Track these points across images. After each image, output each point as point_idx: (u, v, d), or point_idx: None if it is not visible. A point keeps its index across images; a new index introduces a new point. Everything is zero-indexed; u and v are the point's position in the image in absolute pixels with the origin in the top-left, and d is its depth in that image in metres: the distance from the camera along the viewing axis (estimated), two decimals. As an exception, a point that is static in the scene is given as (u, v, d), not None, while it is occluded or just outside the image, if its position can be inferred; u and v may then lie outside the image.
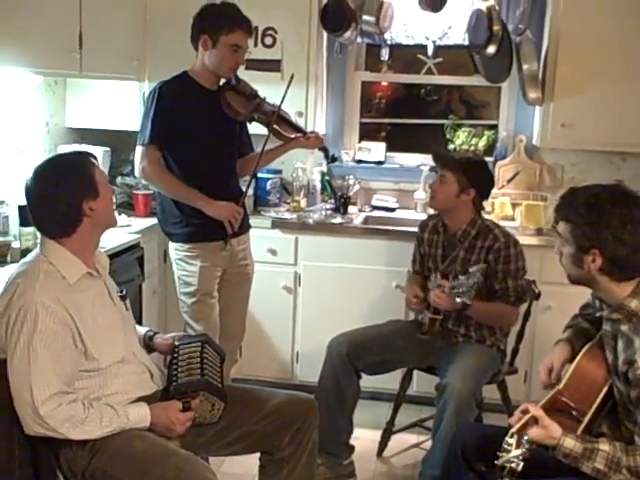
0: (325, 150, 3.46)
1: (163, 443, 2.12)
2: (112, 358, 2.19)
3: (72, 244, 2.15)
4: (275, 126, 3.22)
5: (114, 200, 2.32)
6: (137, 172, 3.09)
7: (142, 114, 3.09)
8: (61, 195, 2.12)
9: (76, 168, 2.17)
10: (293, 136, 3.28)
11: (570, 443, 1.92)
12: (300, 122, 3.60)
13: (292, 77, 3.12)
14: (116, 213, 2.42)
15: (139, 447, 2.07)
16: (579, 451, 1.92)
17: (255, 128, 3.30)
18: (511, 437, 1.88)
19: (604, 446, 1.92)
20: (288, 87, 3.10)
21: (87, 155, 2.23)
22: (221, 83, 3.17)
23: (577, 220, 2.01)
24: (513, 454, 1.84)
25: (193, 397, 2.19)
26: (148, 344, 2.48)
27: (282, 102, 3.14)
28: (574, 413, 2.05)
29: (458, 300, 2.79)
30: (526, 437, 1.87)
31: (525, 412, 1.99)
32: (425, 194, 4.04)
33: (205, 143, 3.06)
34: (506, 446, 1.86)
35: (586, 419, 2.04)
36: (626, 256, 1.98)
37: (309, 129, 3.55)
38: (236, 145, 3.25)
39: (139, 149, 3.04)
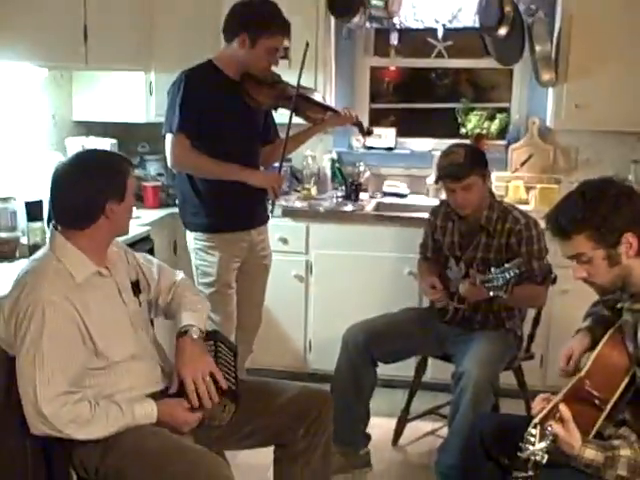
0: (359, 125, 3.41)
1: (177, 439, 2.09)
2: (123, 354, 2.16)
3: (82, 241, 2.13)
4: (302, 110, 3.17)
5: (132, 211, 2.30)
6: (170, 162, 3.04)
7: (168, 102, 3.02)
8: (90, 186, 2.11)
9: (112, 167, 2.17)
10: (321, 116, 3.24)
11: (591, 454, 1.88)
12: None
13: (307, 45, 3.03)
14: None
15: (152, 443, 2.05)
16: (601, 460, 1.87)
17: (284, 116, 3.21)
18: (534, 428, 1.84)
19: (625, 451, 1.87)
20: (305, 56, 3.02)
21: (126, 160, 2.23)
22: None
23: (592, 221, 1.93)
24: (538, 447, 1.79)
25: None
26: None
27: (300, 79, 3.06)
28: (596, 402, 2.00)
29: (492, 294, 2.73)
30: (549, 428, 1.83)
31: (547, 400, 1.95)
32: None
33: (229, 133, 3.03)
34: (529, 437, 1.82)
35: (608, 407, 2.00)
36: None
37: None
38: (260, 134, 3.22)
39: (169, 137, 2.99)
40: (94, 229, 2.13)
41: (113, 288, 2.25)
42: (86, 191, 2.10)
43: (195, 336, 2.27)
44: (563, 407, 1.90)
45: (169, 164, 3.08)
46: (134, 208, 3.08)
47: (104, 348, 2.10)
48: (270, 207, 3.21)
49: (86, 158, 2.23)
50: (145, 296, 2.39)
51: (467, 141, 4.17)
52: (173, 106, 2.97)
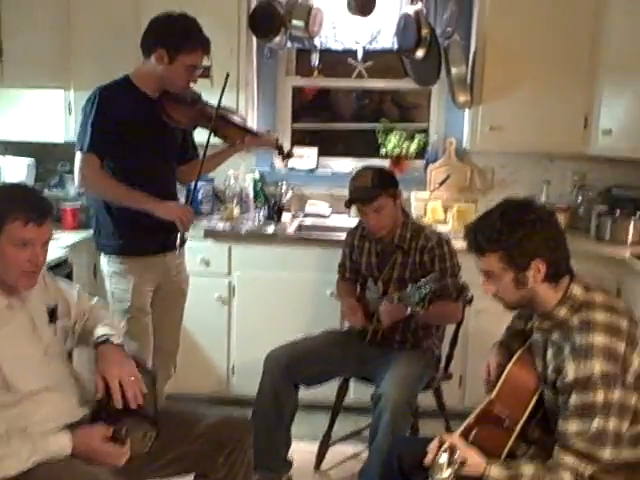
0: (279, 148, 3.41)
1: (93, 472, 2.04)
2: (35, 386, 2.11)
3: None
4: (221, 130, 3.15)
5: (29, 268, 2.11)
6: (77, 180, 2.97)
7: (81, 119, 2.96)
8: None
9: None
10: (241, 138, 3.21)
11: (495, 472, 1.93)
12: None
13: (227, 76, 3.00)
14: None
15: (66, 478, 2.00)
16: (505, 479, 1.92)
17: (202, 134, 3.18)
18: (444, 452, 1.88)
19: (528, 469, 1.93)
20: (224, 87, 3.00)
21: (26, 208, 2.07)
22: None
23: (507, 243, 1.98)
24: (446, 474, 1.83)
25: (125, 424, 2.11)
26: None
27: (219, 104, 3.04)
28: (506, 424, 2.05)
29: (409, 310, 2.77)
30: (457, 453, 1.87)
31: (442, 442, 1.97)
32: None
33: (144, 151, 2.98)
34: (438, 463, 1.86)
35: (518, 427, 2.06)
36: (560, 252, 2.01)
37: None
38: (176, 153, 3.17)
39: (79, 155, 2.92)
40: None
41: (25, 320, 2.19)
42: None
43: (116, 342, 2.27)
44: (449, 437, 1.96)
45: (76, 183, 3.03)
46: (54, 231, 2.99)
47: (15, 382, 2.05)
48: (178, 240, 3.04)
49: None
50: (63, 322, 2.34)
51: (387, 161, 4.24)
52: (85, 124, 2.91)
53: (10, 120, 3.90)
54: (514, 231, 1.97)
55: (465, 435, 2.06)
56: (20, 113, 3.89)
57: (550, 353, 2.07)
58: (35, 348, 2.18)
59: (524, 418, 2.07)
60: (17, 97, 3.85)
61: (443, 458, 1.86)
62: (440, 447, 1.95)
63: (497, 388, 2.14)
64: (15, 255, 2.07)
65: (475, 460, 1.94)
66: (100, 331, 2.31)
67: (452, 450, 1.88)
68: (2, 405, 2.04)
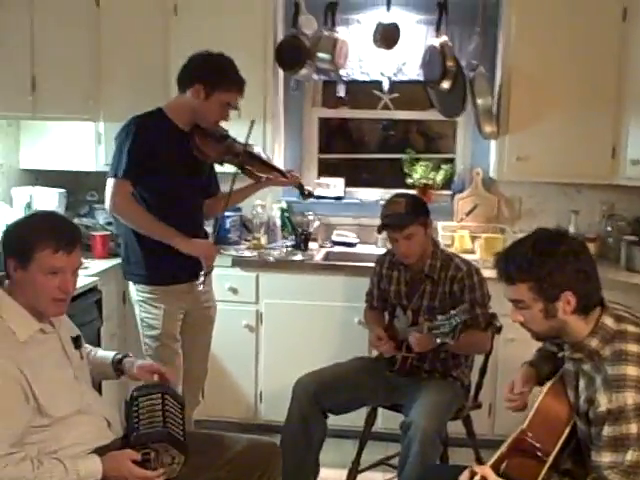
0: (300, 187, 3.46)
1: (123, 496, 2.06)
2: (67, 410, 2.13)
3: (21, 298, 2.12)
4: (247, 167, 3.20)
5: (59, 296, 2.14)
6: (108, 206, 3.01)
7: (115, 146, 3.01)
8: (3, 238, 2.17)
9: (25, 231, 2.16)
10: (266, 176, 3.27)
11: None
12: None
13: (252, 123, 3.08)
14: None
15: (96, 502, 2.02)
16: None
17: (226, 167, 3.25)
18: None
19: None
20: (249, 133, 3.08)
21: (56, 237, 2.11)
22: None
23: (538, 274, 1.97)
24: None
25: (154, 449, 2.13)
26: (117, 367, 2.45)
27: (246, 143, 3.11)
28: (539, 453, 2.03)
29: (438, 341, 2.77)
30: None
31: (473, 473, 1.96)
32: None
33: (175, 183, 3.02)
34: None
35: (550, 458, 2.03)
36: (591, 285, 2.00)
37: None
38: (205, 186, 3.22)
39: (111, 182, 2.97)
40: (17, 287, 2.12)
41: (56, 343, 2.23)
42: (1, 240, 2.16)
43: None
44: (479, 468, 1.94)
45: (107, 209, 3.06)
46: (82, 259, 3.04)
47: (48, 406, 2.07)
48: (202, 277, 3.11)
49: (26, 216, 2.34)
50: (85, 352, 2.38)
51: (413, 191, 4.25)
52: (120, 151, 2.96)
53: (41, 150, 3.98)
54: (545, 262, 1.97)
55: (496, 466, 2.04)
56: (51, 144, 3.98)
57: (582, 384, 2.05)
58: (66, 372, 2.21)
59: (557, 448, 2.05)
60: (48, 128, 3.93)
61: None
62: (472, 478, 1.94)
63: (529, 418, 2.12)
64: (45, 283, 2.10)
65: None
66: (106, 352, 2.47)
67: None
68: (34, 428, 2.06)
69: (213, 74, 2.98)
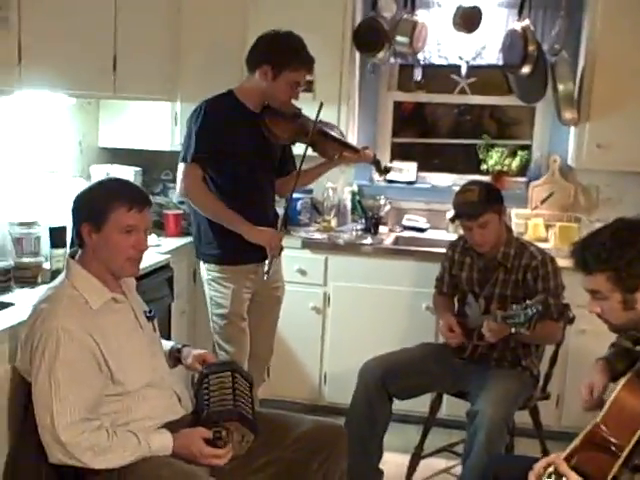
0: (377, 163, 3.44)
1: (191, 471, 2.09)
2: (139, 382, 2.18)
3: (93, 267, 2.17)
4: (319, 145, 3.20)
5: (133, 255, 2.21)
6: (178, 190, 3.07)
7: (187, 130, 3.06)
8: (74, 205, 2.21)
9: (101, 193, 2.22)
10: (338, 153, 3.26)
11: None
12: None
13: (321, 105, 3.07)
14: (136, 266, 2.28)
15: (167, 473, 2.05)
16: None
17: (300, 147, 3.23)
18: (549, 477, 1.82)
19: None
20: (318, 115, 3.07)
21: (129, 196, 2.19)
22: None
23: (617, 264, 1.92)
24: None
25: (225, 427, 2.16)
26: (176, 356, 2.49)
27: (317, 119, 3.09)
28: (612, 448, 1.98)
29: (513, 330, 2.72)
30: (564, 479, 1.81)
31: (548, 464, 1.91)
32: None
33: (246, 165, 3.04)
34: None
35: (624, 453, 1.97)
36: None
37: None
38: (276, 168, 3.23)
39: (182, 166, 3.01)
40: (91, 253, 2.17)
41: (129, 313, 2.28)
42: (73, 209, 2.20)
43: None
44: (560, 462, 1.89)
45: (177, 192, 3.12)
46: (154, 236, 3.12)
47: (120, 374, 2.12)
48: (266, 267, 3.09)
49: (97, 182, 2.42)
50: (157, 325, 2.43)
51: (487, 177, 4.19)
52: (190, 135, 3.00)
53: (119, 129, 4.05)
54: (625, 252, 1.92)
55: (568, 459, 1.99)
56: (129, 123, 4.05)
57: (660, 379, 1.99)
58: (139, 341, 2.26)
59: (631, 445, 1.99)
60: (126, 107, 4.00)
61: None
62: (545, 469, 1.90)
63: (604, 411, 2.07)
64: (121, 242, 2.16)
65: None
66: (166, 342, 2.54)
67: (558, 474, 1.83)
68: (108, 397, 2.11)
69: (279, 54, 2.97)
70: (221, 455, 2.15)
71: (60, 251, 2.95)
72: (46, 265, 3.00)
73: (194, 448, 2.12)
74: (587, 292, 2.03)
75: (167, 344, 2.53)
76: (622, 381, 2.11)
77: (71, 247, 2.33)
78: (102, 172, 3.70)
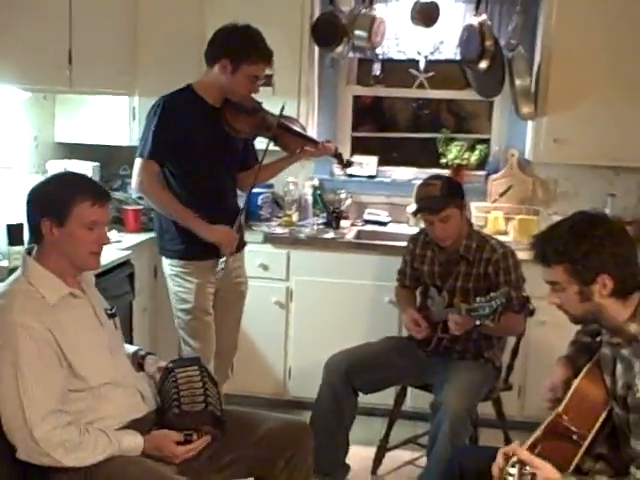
0: (338, 157, 3.44)
1: (159, 470, 2.08)
2: (101, 377, 2.15)
3: (49, 262, 2.13)
4: (280, 139, 3.19)
5: (96, 249, 2.19)
6: (134, 185, 3.03)
7: (144, 126, 3.04)
8: (32, 200, 2.15)
9: (61, 187, 2.17)
10: (300, 147, 3.25)
11: None
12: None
13: (283, 107, 3.10)
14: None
15: (134, 472, 2.04)
16: None
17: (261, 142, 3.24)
18: (512, 467, 1.85)
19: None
20: (282, 110, 3.09)
21: (90, 190, 2.15)
22: None
23: (573, 256, 1.96)
24: None
25: (197, 430, 2.16)
26: (140, 362, 2.46)
27: (280, 115, 3.10)
28: (574, 437, 2.02)
29: (478, 322, 2.75)
30: (527, 468, 1.83)
31: (508, 454, 1.93)
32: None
33: (205, 160, 3.02)
34: (508, 477, 1.83)
35: (586, 442, 2.02)
36: (629, 268, 1.97)
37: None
38: (237, 161, 3.21)
39: (138, 161, 2.98)
40: (49, 248, 2.13)
41: (88, 308, 2.25)
42: (29, 204, 2.15)
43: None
44: (520, 451, 1.91)
45: (132, 187, 3.09)
46: (114, 232, 3.07)
47: (81, 370, 2.09)
48: (220, 265, 3.09)
49: (54, 175, 2.40)
50: (118, 323, 2.40)
51: (447, 171, 4.22)
52: (147, 131, 2.97)
53: (76, 124, 3.99)
54: (580, 244, 1.95)
55: (531, 449, 2.02)
56: (85, 117, 3.98)
57: (620, 369, 2.02)
58: (98, 338, 2.23)
59: (593, 433, 2.03)
60: (83, 102, 3.93)
61: (513, 470, 1.83)
62: (508, 459, 1.92)
63: (565, 401, 2.10)
64: (84, 237, 2.13)
65: (549, 474, 1.89)
66: (128, 345, 2.51)
67: (522, 463, 1.85)
68: (72, 392, 2.08)
69: (238, 48, 2.95)
70: (193, 449, 2.15)
71: (18, 248, 2.89)
72: (4, 263, 2.95)
73: (165, 451, 2.12)
74: (547, 284, 2.07)
75: (130, 348, 2.50)
76: (582, 372, 2.15)
77: (29, 243, 2.29)
78: (59, 167, 3.64)
